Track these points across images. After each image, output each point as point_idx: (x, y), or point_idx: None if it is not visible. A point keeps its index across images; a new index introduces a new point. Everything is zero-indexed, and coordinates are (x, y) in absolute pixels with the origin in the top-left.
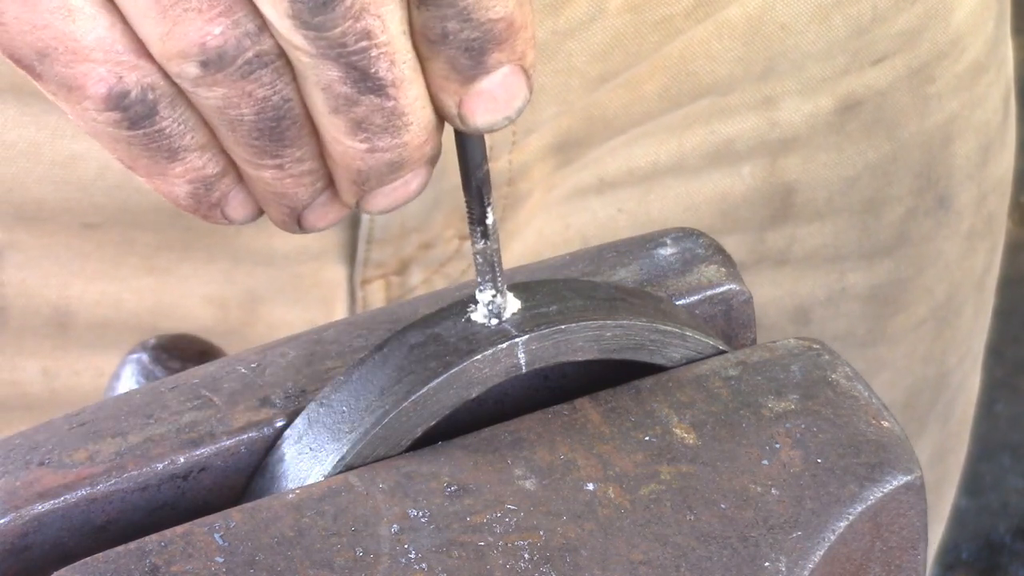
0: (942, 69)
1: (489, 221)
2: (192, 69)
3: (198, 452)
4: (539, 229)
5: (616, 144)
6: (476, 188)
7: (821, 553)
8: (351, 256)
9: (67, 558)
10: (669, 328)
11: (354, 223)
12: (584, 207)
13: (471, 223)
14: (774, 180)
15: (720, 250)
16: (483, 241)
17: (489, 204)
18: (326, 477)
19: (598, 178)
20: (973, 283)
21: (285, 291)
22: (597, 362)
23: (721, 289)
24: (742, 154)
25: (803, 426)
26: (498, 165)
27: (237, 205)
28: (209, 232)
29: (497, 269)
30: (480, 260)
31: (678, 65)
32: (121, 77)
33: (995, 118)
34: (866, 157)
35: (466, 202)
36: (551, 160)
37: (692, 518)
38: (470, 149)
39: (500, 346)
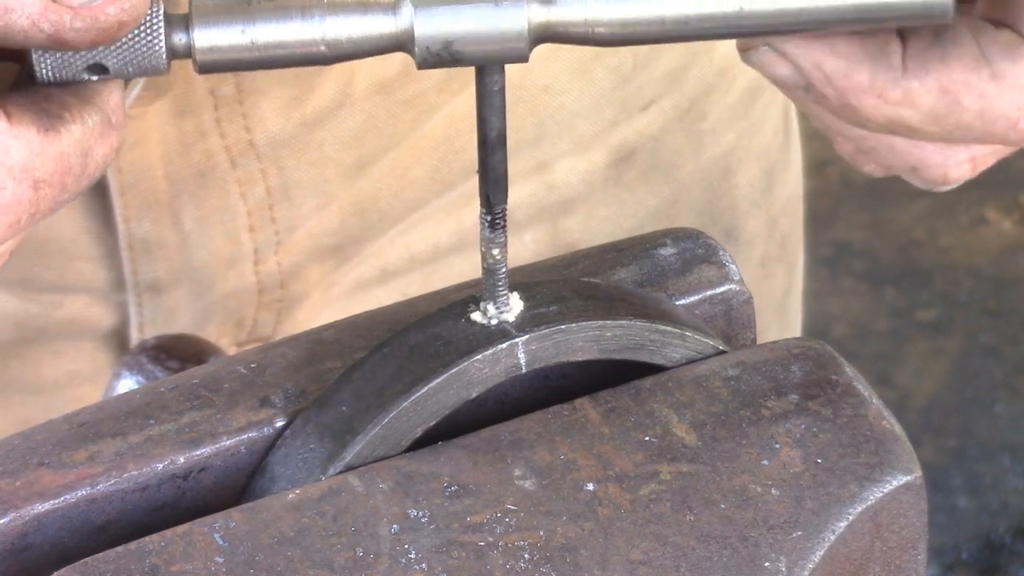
0: (712, 103)
1: (500, 224)
2: None
3: (198, 452)
4: None
5: (394, 234)
6: (498, 193)
7: (821, 553)
8: None
9: (67, 558)
10: (669, 328)
11: (123, 342)
12: (367, 297)
13: (490, 225)
14: (557, 242)
15: (720, 250)
16: (496, 244)
17: (503, 207)
18: (326, 477)
19: (380, 269)
20: (774, 307)
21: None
22: (597, 362)
23: (721, 289)
24: (523, 222)
25: (803, 426)
26: (266, 267)
27: None
28: None
29: (504, 272)
30: (490, 262)
31: (444, 144)
32: None
33: (775, 140)
34: (646, 205)
35: (485, 206)
36: (329, 260)
37: (692, 518)
38: (489, 152)
39: (500, 346)
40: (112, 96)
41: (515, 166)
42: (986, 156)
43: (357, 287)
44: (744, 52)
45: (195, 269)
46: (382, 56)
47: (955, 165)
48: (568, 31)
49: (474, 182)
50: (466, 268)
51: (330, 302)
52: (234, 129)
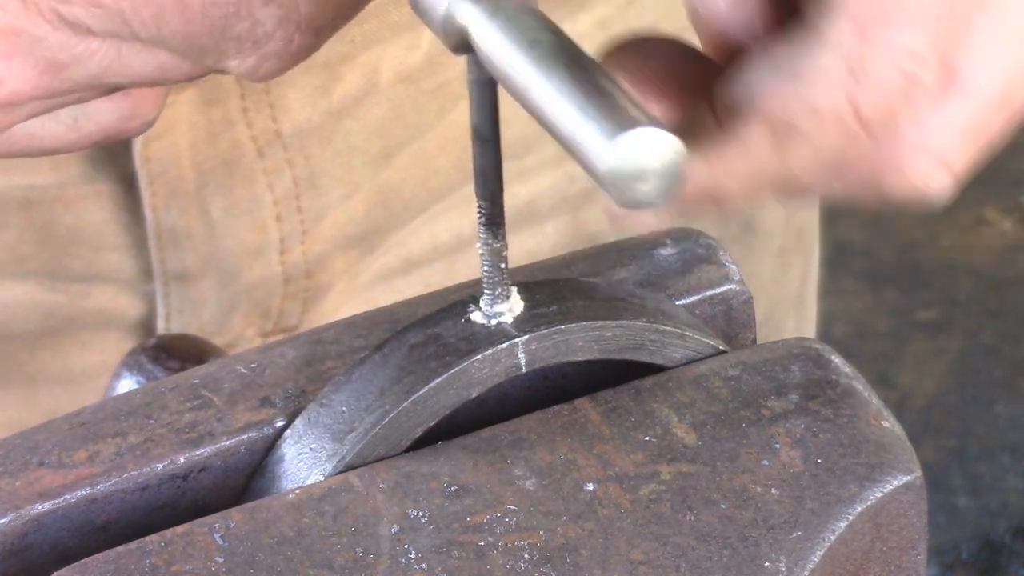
0: None
1: (497, 221)
2: None
3: (198, 452)
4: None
5: (418, 224)
6: (485, 187)
7: (821, 553)
8: None
9: (67, 558)
10: (669, 328)
11: (150, 333)
12: (390, 288)
13: (480, 223)
14: (578, 233)
15: (720, 250)
16: (492, 242)
17: (499, 206)
18: (326, 477)
19: (403, 260)
20: (791, 299)
21: None
22: (597, 362)
23: (721, 289)
24: (544, 213)
25: (803, 426)
26: (292, 257)
27: None
28: (2, 358)
29: (503, 271)
30: (488, 260)
31: (468, 134)
32: None
33: None
34: None
35: (477, 201)
36: (354, 250)
37: (692, 518)
38: (482, 147)
39: (500, 346)
40: None
41: (537, 157)
42: (947, 143)
43: (380, 277)
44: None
45: (222, 259)
46: (407, 46)
47: (909, 161)
48: (472, 41)
49: None
50: None
51: (355, 292)
52: (261, 119)
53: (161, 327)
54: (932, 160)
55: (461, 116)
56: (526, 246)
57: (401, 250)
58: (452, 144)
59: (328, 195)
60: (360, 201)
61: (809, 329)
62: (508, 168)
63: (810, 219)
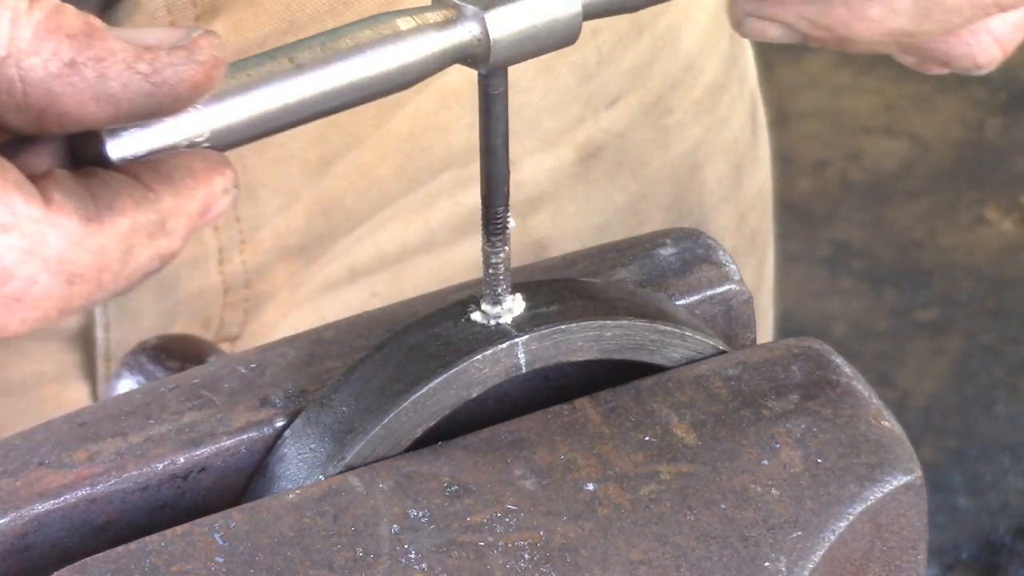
0: (678, 98)
1: (499, 225)
2: None
3: (198, 452)
4: (293, 326)
5: (362, 232)
6: (491, 194)
7: (821, 553)
8: (91, 374)
9: (67, 558)
10: (669, 328)
11: (89, 343)
12: (336, 297)
13: (484, 226)
14: (525, 240)
15: (720, 250)
16: (494, 243)
17: (503, 209)
18: (326, 477)
19: (348, 269)
20: None
21: (27, 415)
22: (597, 362)
23: (721, 289)
24: None
25: (803, 426)
26: (231, 267)
27: None
28: None
29: (504, 271)
30: (490, 262)
31: (409, 142)
32: None
33: (743, 135)
34: (614, 201)
35: (482, 206)
36: (296, 260)
37: (692, 518)
38: (490, 155)
39: (500, 346)
40: (179, 203)
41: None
42: (1010, 33)
43: (325, 287)
44: (736, 28)
45: None
46: None
47: (982, 51)
48: None
49: (441, 181)
50: (435, 267)
51: (299, 302)
52: None
53: (100, 336)
54: (993, 40)
55: (399, 124)
56: (470, 256)
57: (346, 259)
58: (393, 153)
59: (266, 204)
60: (300, 211)
61: (766, 332)
62: (452, 176)
63: (763, 222)
